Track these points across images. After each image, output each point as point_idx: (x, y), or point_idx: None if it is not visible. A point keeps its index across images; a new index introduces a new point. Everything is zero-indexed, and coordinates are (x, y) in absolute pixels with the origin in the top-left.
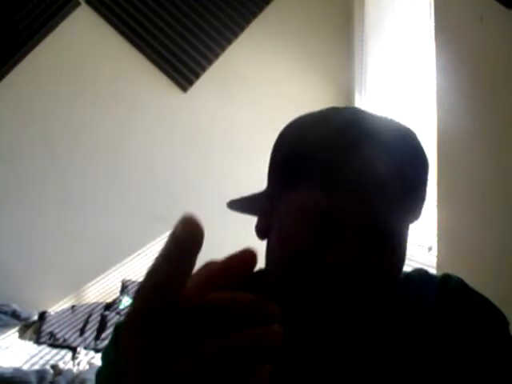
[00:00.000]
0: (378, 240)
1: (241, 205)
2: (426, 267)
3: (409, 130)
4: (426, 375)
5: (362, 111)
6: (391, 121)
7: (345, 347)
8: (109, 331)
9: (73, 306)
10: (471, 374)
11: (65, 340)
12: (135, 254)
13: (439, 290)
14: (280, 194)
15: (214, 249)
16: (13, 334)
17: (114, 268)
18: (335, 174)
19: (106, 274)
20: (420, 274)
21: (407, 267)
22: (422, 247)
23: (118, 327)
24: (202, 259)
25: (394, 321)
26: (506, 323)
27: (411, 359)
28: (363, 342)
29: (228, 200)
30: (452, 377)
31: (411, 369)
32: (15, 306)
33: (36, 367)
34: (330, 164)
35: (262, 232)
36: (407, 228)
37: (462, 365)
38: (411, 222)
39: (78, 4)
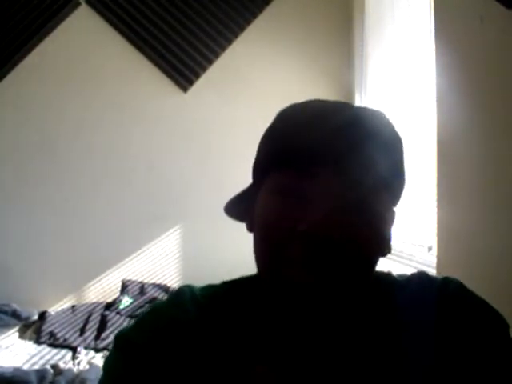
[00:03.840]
0: (352, 214)
1: (233, 206)
2: (425, 267)
3: (383, 114)
4: (425, 378)
5: (347, 104)
6: (368, 110)
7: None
8: (109, 331)
9: (73, 306)
10: (471, 377)
11: (65, 340)
12: (135, 254)
13: (439, 293)
14: (261, 183)
15: (215, 249)
16: (13, 333)
17: (114, 268)
18: (307, 153)
19: (105, 274)
20: (421, 277)
21: (407, 267)
22: (422, 247)
23: (120, 337)
24: (203, 259)
25: (392, 323)
26: (507, 326)
27: (410, 362)
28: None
29: (225, 202)
30: (452, 381)
31: (410, 372)
32: (15, 306)
33: (36, 367)
34: (305, 146)
35: (249, 224)
36: (386, 208)
37: (462, 368)
38: (390, 203)
39: (78, 4)
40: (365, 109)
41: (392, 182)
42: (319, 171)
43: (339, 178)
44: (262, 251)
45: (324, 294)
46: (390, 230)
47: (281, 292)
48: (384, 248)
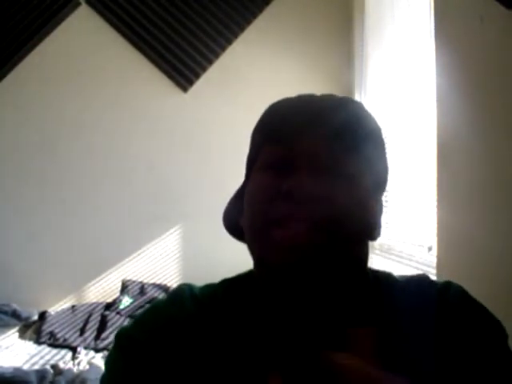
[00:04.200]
0: (336, 177)
1: (229, 212)
2: (425, 267)
3: (364, 105)
4: (422, 381)
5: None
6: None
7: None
8: (109, 331)
9: (73, 306)
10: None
11: (65, 340)
12: (135, 254)
13: (438, 296)
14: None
15: (215, 249)
16: (13, 333)
17: (114, 268)
18: (292, 129)
19: (106, 274)
20: (420, 279)
21: (407, 267)
22: (422, 247)
23: (121, 334)
24: (203, 259)
25: (390, 323)
26: (505, 335)
27: (407, 362)
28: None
29: (225, 205)
30: None
31: (407, 374)
32: (15, 306)
33: (36, 367)
34: (290, 122)
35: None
36: (370, 180)
37: (458, 374)
38: (374, 184)
39: (78, 4)
40: (347, 98)
41: (374, 163)
42: (304, 143)
43: (324, 145)
44: (251, 219)
45: (314, 257)
46: (378, 214)
47: (271, 261)
48: (371, 226)
